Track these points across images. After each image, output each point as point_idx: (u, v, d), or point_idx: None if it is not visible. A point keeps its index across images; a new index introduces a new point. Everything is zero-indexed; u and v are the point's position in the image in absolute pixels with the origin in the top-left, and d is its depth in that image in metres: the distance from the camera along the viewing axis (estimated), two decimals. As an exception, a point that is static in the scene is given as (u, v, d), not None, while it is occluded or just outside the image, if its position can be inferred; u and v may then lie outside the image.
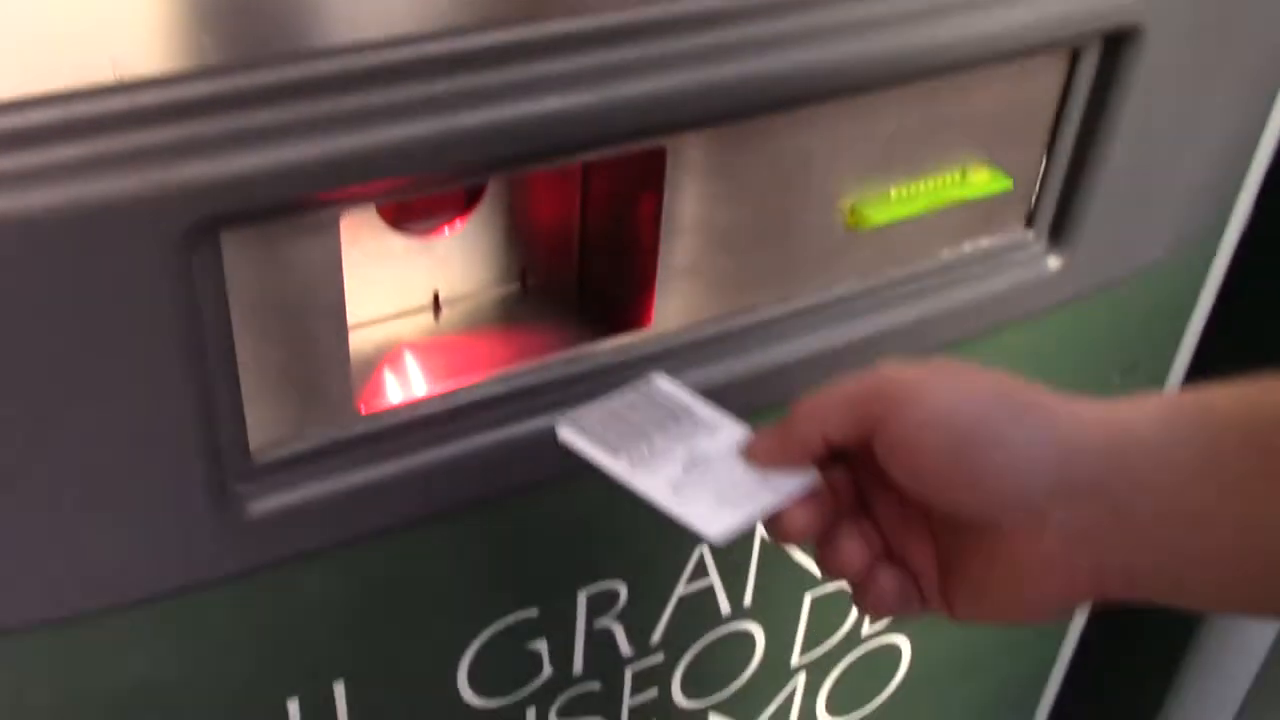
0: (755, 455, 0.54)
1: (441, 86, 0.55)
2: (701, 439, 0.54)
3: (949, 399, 0.49)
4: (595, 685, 0.84)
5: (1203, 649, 1.27)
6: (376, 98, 0.54)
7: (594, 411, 0.56)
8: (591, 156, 0.63)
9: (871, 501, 0.55)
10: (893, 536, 0.54)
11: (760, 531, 0.84)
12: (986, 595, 0.52)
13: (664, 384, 0.58)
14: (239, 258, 0.56)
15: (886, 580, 0.53)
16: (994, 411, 0.49)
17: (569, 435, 0.55)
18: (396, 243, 0.70)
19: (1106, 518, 0.47)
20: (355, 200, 0.57)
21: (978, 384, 0.50)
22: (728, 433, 0.56)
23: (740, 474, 0.53)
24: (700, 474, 0.53)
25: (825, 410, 0.52)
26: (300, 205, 0.55)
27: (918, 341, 0.79)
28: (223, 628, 0.66)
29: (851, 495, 0.55)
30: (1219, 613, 0.45)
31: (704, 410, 0.57)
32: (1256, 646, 1.29)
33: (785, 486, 0.52)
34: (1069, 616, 0.50)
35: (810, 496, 0.53)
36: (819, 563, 0.54)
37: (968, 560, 0.52)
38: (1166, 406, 0.48)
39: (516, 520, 0.73)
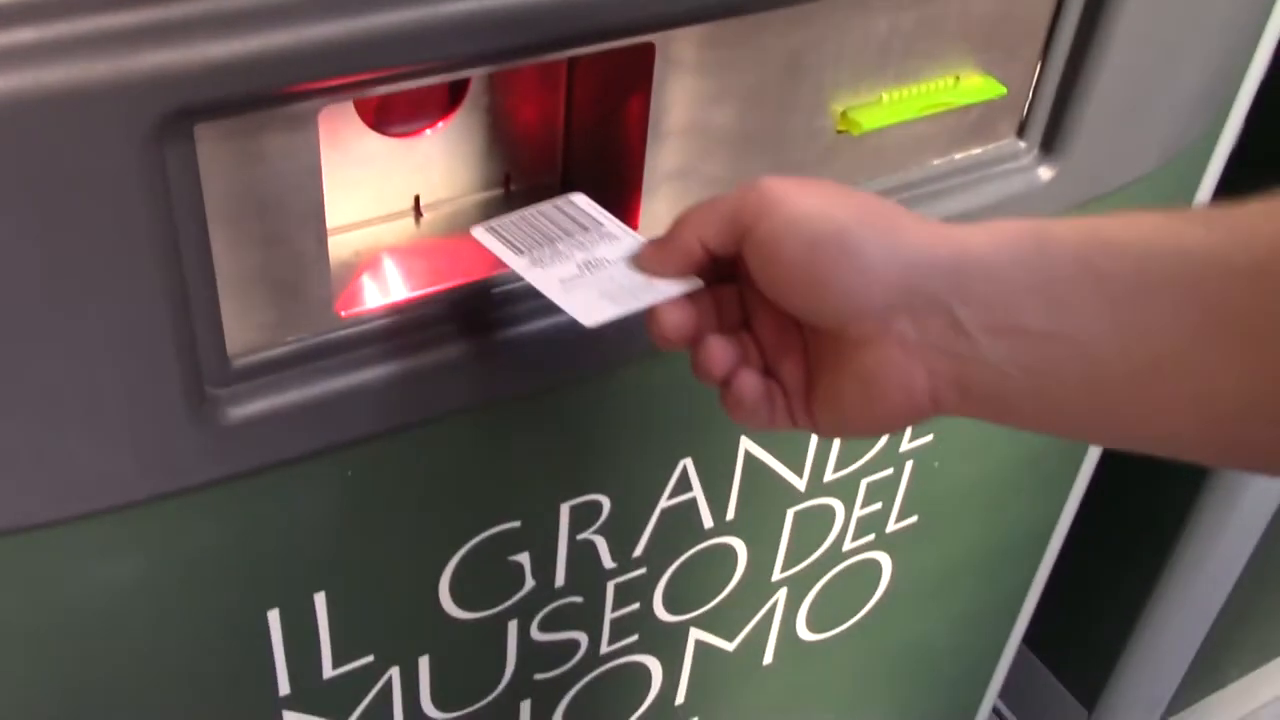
0: (642, 260, 0.57)
1: (424, -26, 0.53)
2: (602, 247, 0.58)
3: (807, 208, 0.52)
4: (577, 598, 0.84)
5: (1180, 566, 1.28)
6: (357, -16, 0.52)
7: (510, 218, 0.60)
8: (578, 51, 0.61)
9: (753, 317, 0.57)
10: (770, 352, 0.57)
11: (743, 445, 0.83)
12: (839, 406, 0.55)
13: (581, 200, 0.61)
14: (214, 153, 0.54)
15: (747, 381, 0.56)
16: (847, 222, 0.51)
17: (481, 234, 0.59)
18: (377, 145, 0.68)
19: (942, 329, 0.50)
20: (334, 93, 0.55)
21: (839, 198, 0.53)
22: (627, 243, 0.59)
23: (629, 277, 0.57)
24: (593, 275, 0.56)
25: (704, 218, 0.55)
26: (278, 97, 0.53)
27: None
28: (201, 537, 0.65)
29: (737, 311, 0.57)
30: (1043, 433, 0.52)
31: (612, 225, 0.60)
32: (1220, 587, 1.30)
33: (667, 290, 0.56)
34: (902, 429, 0.58)
35: (686, 299, 0.56)
36: (692, 367, 0.57)
37: (826, 371, 0.55)
38: (1009, 229, 0.51)
39: (499, 431, 0.72)
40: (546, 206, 0.61)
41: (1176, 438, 0.49)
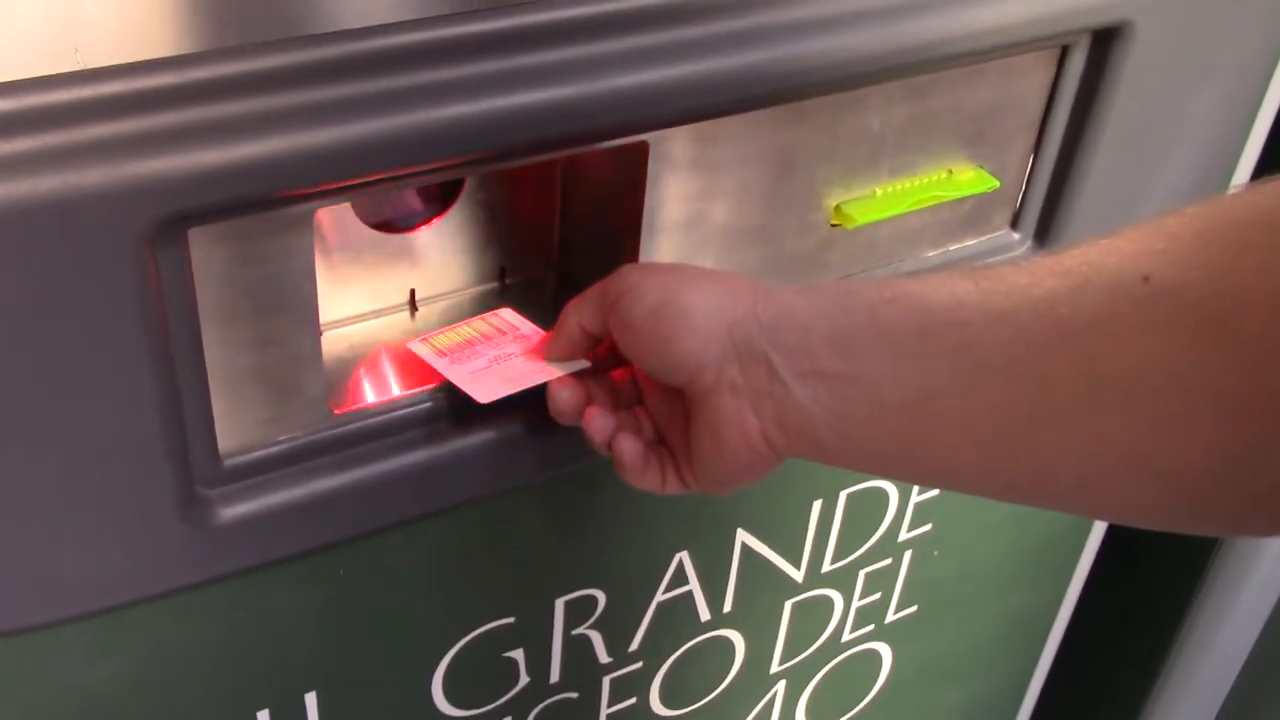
0: (537, 348, 0.65)
1: (418, 79, 0.53)
2: (513, 345, 0.66)
3: (652, 282, 0.59)
4: (573, 694, 0.83)
5: (1185, 654, 1.27)
6: (351, 90, 0.52)
7: (443, 331, 0.68)
8: (572, 152, 0.61)
9: (645, 394, 0.64)
10: (660, 423, 0.63)
11: (740, 537, 0.83)
12: (701, 456, 0.60)
13: (505, 313, 0.69)
14: (207, 255, 0.54)
15: (625, 445, 0.61)
16: (682, 290, 0.58)
17: (414, 345, 0.66)
18: (373, 240, 0.68)
19: (762, 375, 0.56)
20: (328, 196, 0.55)
21: (680, 271, 0.61)
22: (534, 339, 0.66)
23: (527, 364, 0.64)
24: (499, 366, 0.64)
25: (579, 305, 0.62)
26: (271, 202, 0.54)
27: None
28: (191, 638, 0.64)
29: (630, 390, 0.65)
30: (854, 469, 0.59)
31: (526, 328, 0.68)
32: (1226, 673, 1.29)
33: (557, 371, 0.64)
34: (759, 477, 0.60)
35: (576, 380, 0.63)
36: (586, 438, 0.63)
37: (690, 429, 0.60)
38: (820, 289, 0.58)
39: (493, 526, 0.72)
40: (476, 319, 0.69)
41: (958, 468, 0.54)
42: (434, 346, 0.66)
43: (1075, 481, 0.51)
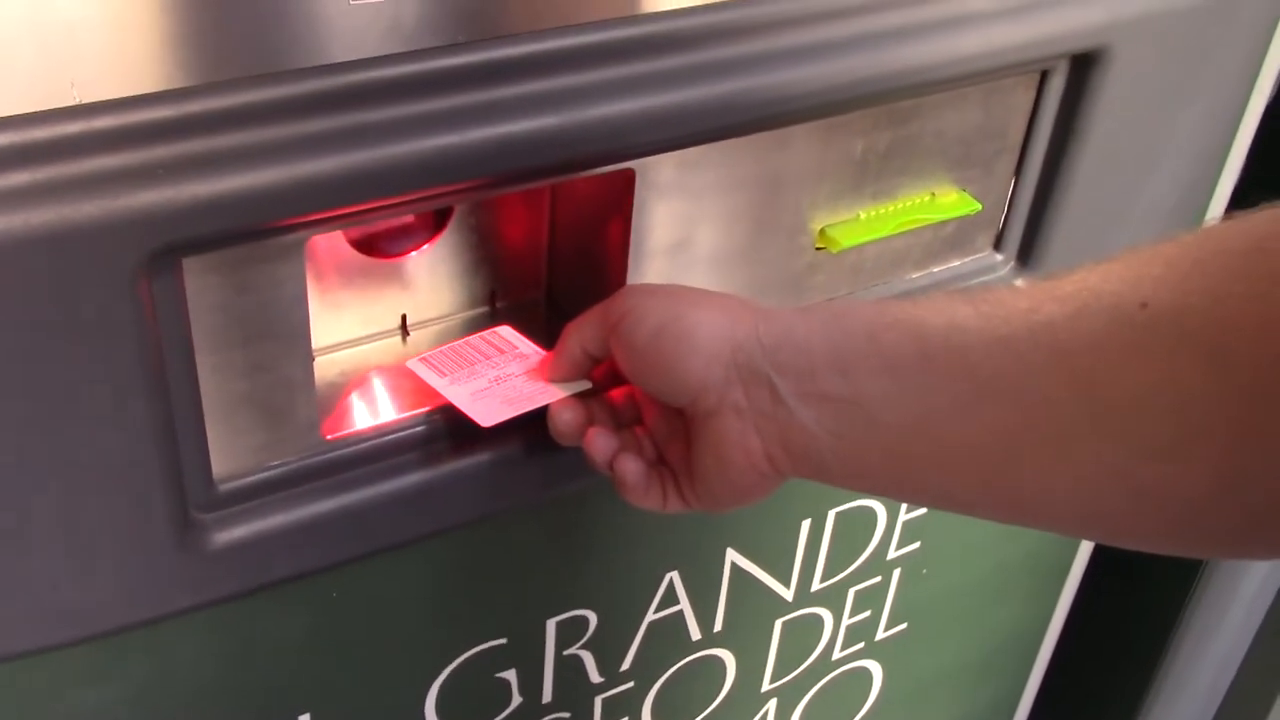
0: (538, 369, 0.66)
1: (407, 110, 0.54)
2: (513, 365, 0.66)
3: (654, 304, 0.60)
4: (565, 714, 0.83)
5: (1175, 666, 1.28)
6: (341, 121, 0.53)
7: (442, 349, 0.68)
8: (559, 180, 0.62)
9: (644, 413, 0.64)
10: (660, 442, 0.64)
11: (730, 556, 0.83)
12: (704, 477, 0.60)
13: (504, 330, 0.69)
14: (201, 284, 0.55)
15: (626, 465, 0.62)
16: (685, 311, 0.59)
17: (414, 365, 0.67)
18: (363, 266, 0.69)
19: (765, 398, 0.57)
20: (320, 225, 0.56)
21: (682, 293, 0.61)
22: (534, 359, 0.67)
23: (529, 385, 0.65)
24: (500, 387, 0.64)
25: (581, 325, 0.63)
26: (263, 231, 0.54)
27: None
28: (186, 661, 0.65)
29: (630, 410, 0.65)
30: (854, 490, 0.62)
31: (526, 346, 0.68)
32: (1217, 686, 1.29)
33: (558, 392, 0.64)
34: (762, 496, 0.61)
35: (578, 400, 0.64)
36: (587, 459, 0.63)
37: (692, 449, 0.60)
38: (820, 310, 0.58)
39: (484, 548, 0.72)
40: (474, 338, 0.69)
41: (957, 490, 0.55)
42: (434, 366, 0.66)
43: (1073, 505, 0.51)
